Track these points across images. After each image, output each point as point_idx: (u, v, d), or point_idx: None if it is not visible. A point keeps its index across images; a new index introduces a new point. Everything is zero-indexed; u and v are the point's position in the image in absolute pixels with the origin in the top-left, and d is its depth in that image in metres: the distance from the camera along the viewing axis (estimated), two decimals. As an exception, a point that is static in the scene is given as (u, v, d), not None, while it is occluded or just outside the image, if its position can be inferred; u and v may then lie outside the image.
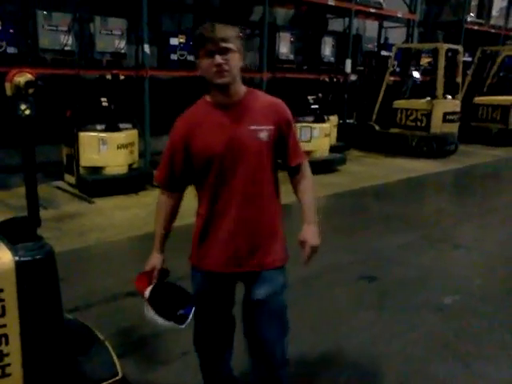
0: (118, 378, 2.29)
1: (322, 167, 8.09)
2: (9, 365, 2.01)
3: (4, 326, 1.98)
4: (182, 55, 7.82)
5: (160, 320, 2.02)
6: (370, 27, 12.69)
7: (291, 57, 9.67)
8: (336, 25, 11.60)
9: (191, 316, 2.04)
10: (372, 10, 10.78)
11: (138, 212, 5.61)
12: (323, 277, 4.17)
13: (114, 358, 2.40)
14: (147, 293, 2.03)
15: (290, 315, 3.44)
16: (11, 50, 6.35)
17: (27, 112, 2.47)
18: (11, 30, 6.36)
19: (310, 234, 2.16)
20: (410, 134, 9.95)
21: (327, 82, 9.53)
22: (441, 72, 9.68)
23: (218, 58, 1.82)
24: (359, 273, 4.25)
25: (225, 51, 1.82)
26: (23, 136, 2.49)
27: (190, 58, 7.84)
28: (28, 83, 2.49)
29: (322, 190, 7.16)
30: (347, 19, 10.67)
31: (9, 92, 2.50)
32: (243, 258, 2.01)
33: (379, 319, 3.48)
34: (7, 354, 2.00)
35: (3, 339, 1.98)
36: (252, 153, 1.92)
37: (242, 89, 1.96)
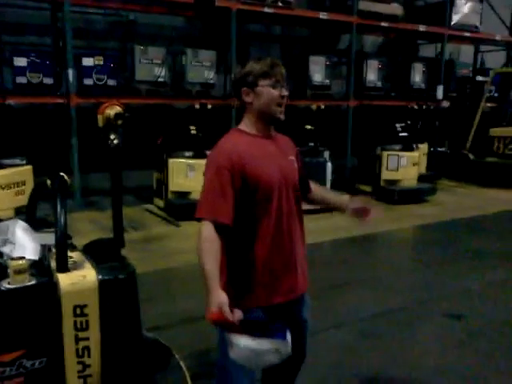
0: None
1: (409, 197, 7.82)
2: (90, 376, 2.13)
3: (87, 339, 2.10)
4: (268, 84, 8.00)
5: (265, 344, 1.72)
6: (466, 51, 12.19)
7: (379, 84, 9.54)
8: (427, 50, 11.29)
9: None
10: (467, 34, 10.36)
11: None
12: (407, 311, 4.00)
13: (188, 378, 2.45)
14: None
15: (370, 347, 3.35)
16: (111, 82, 6.90)
17: (115, 141, 2.65)
18: (112, 65, 6.92)
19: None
20: (508, 163, 9.30)
21: (416, 109, 9.25)
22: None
23: (285, 91, 1.96)
24: (445, 309, 4.00)
25: (286, 88, 1.98)
26: (112, 163, 2.66)
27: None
28: (117, 115, 2.68)
29: (410, 221, 6.90)
30: (439, 44, 10.35)
31: (100, 123, 2.70)
32: (297, 284, 2.06)
33: (465, 360, 3.24)
34: (89, 366, 2.12)
35: (86, 351, 2.10)
36: (295, 181, 2.06)
37: None
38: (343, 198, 2.32)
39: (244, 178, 1.88)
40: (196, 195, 6.56)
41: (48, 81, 6.62)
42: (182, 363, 2.58)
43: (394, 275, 4.85)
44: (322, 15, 8.27)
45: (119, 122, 2.55)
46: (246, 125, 2.03)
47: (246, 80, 1.96)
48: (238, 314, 1.73)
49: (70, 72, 6.46)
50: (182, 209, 6.42)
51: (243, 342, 1.71)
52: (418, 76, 9.98)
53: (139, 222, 6.11)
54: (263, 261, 1.95)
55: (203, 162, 7.34)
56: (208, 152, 7.33)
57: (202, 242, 1.83)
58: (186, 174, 6.52)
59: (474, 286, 4.51)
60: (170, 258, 5.10)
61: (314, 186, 2.28)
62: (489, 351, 3.35)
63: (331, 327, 3.59)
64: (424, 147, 8.91)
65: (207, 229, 1.84)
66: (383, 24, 9.00)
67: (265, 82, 1.94)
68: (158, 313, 3.65)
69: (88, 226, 5.72)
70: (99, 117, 2.58)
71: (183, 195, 6.60)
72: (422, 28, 9.44)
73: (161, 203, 6.80)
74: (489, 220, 7.12)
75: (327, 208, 2.37)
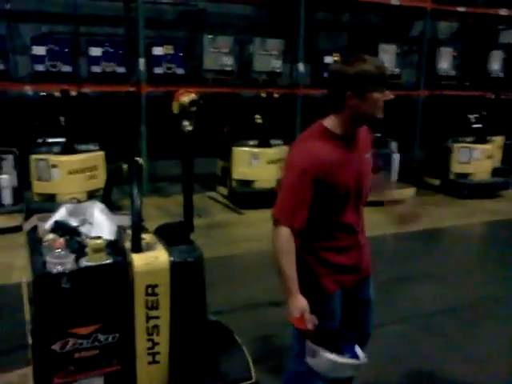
0: (251, 381, 2.38)
1: (481, 191, 7.45)
2: (158, 353, 2.22)
3: (157, 317, 2.19)
4: (335, 73, 7.86)
5: (337, 358, 1.85)
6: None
7: (453, 73, 9.09)
8: (508, 36, 10.62)
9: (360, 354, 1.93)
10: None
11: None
12: (475, 308, 3.86)
13: (250, 362, 2.49)
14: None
15: (433, 343, 3.26)
16: (180, 71, 7.05)
17: (189, 128, 2.71)
18: (181, 54, 7.07)
19: None
20: None
21: (493, 99, 8.76)
22: None
23: (389, 94, 1.92)
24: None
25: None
26: (185, 149, 2.73)
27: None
28: (192, 102, 2.72)
29: (481, 216, 6.57)
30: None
31: (175, 110, 2.75)
32: (361, 270, 2.17)
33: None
34: (158, 343, 2.21)
35: (156, 329, 2.19)
36: (369, 178, 2.09)
37: None
38: (396, 193, 2.37)
39: (324, 184, 1.89)
40: (259, 184, 6.62)
41: (121, 70, 6.86)
42: (244, 347, 2.62)
43: (462, 271, 4.67)
44: (394, 1, 7.99)
45: (193, 108, 2.60)
46: (335, 124, 1.96)
47: (355, 83, 1.85)
48: (314, 321, 1.89)
49: (141, 61, 6.67)
50: (245, 197, 6.50)
51: (327, 356, 1.82)
52: (496, 64, 9.40)
53: (203, 209, 6.24)
54: (332, 258, 2.04)
55: (268, 150, 7.39)
56: (275, 141, 7.29)
57: (281, 243, 1.89)
58: (250, 163, 6.56)
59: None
60: (233, 244, 5.19)
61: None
62: None
63: (394, 321, 3.52)
64: (499, 140, 8.44)
65: (284, 230, 1.89)
66: (460, 9, 8.56)
67: (375, 88, 1.87)
68: (220, 298, 3.71)
69: (155, 211, 5.91)
70: (174, 103, 2.65)
71: (246, 184, 6.65)
72: (503, 12, 8.87)
73: (224, 191, 6.90)
74: None
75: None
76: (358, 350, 1.94)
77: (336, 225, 2.02)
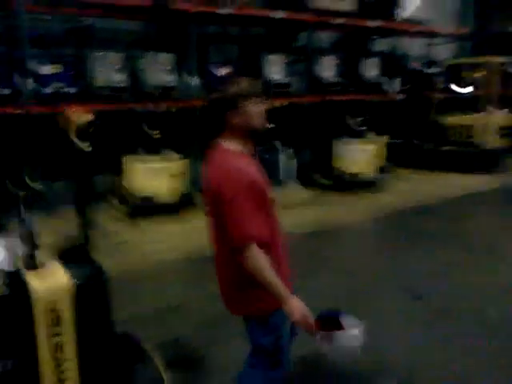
0: (163, 385, 2.49)
1: (366, 187, 8.16)
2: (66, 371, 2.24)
3: (59, 334, 2.19)
4: (227, 85, 8.10)
5: (356, 331, 2.07)
6: (418, 44, 12.62)
7: (336, 79, 9.78)
8: (382, 44, 11.65)
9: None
10: (417, 29, 10.76)
11: (184, 238, 5.89)
12: (368, 292, 4.26)
13: (161, 368, 2.60)
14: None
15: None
16: (70, 89, 6.88)
17: (86, 149, 2.74)
18: (70, 72, 6.91)
19: None
20: (460, 149, 9.77)
21: (372, 102, 9.57)
22: (491, 85, 9.54)
23: (265, 104, 2.14)
24: (403, 290, 4.29)
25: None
26: (80, 169, 2.77)
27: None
28: (87, 123, 2.76)
29: (366, 210, 7.15)
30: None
31: (70, 131, 2.76)
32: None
33: (427, 336, 3.51)
34: (64, 361, 2.23)
35: (60, 349, 2.21)
36: None
37: None
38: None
39: (259, 194, 2.04)
40: (158, 198, 6.66)
41: (5, 91, 6.54)
42: (154, 354, 2.72)
43: (353, 261, 5.11)
44: (274, 14, 8.31)
45: (90, 129, 2.64)
46: (235, 144, 2.12)
47: (230, 103, 2.07)
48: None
49: (28, 81, 6.44)
50: (144, 212, 6.59)
51: (351, 333, 2.05)
52: (372, 70, 10.27)
53: (101, 225, 6.16)
54: (280, 263, 2.16)
55: (165, 164, 7.33)
56: (172, 155, 7.29)
57: (258, 260, 1.98)
58: (148, 178, 6.61)
59: (430, 267, 4.82)
60: (134, 257, 5.26)
61: None
62: (447, 328, 3.64)
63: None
64: (380, 139, 9.24)
65: (254, 248, 1.97)
66: (334, 21, 9.21)
67: (249, 100, 2.07)
68: (127, 310, 3.75)
69: (52, 234, 5.71)
70: (66, 124, 2.67)
71: (145, 198, 6.64)
72: (371, 24, 9.73)
73: (123, 207, 6.88)
74: (443, 205, 7.46)
75: None
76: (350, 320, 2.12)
77: (271, 235, 2.11)
